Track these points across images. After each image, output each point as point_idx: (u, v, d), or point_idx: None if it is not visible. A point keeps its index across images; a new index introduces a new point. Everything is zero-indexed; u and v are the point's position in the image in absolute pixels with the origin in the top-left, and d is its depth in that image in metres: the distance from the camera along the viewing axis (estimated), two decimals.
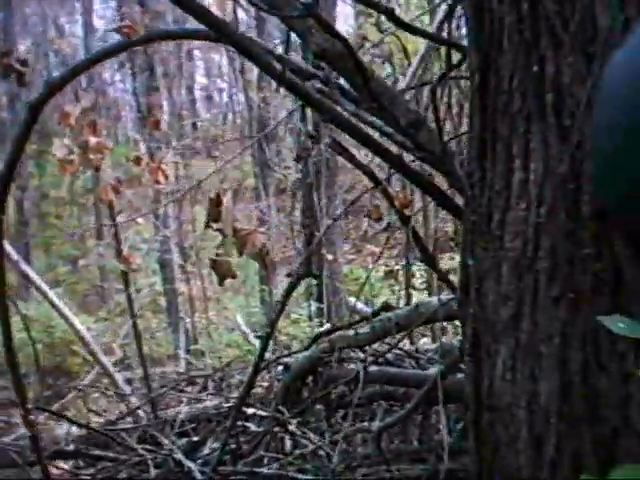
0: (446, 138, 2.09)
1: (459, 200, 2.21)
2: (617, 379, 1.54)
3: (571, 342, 1.56)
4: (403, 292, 12.28)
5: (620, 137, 1.03)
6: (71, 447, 3.58)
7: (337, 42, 1.96)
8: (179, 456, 3.45)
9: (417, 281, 11.87)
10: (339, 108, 2.02)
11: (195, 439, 3.80)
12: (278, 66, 1.79)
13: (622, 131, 1.03)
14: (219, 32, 1.78)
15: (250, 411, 3.51)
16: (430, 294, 11.31)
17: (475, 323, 1.72)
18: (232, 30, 1.80)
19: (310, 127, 2.98)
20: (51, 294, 6.13)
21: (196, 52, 17.08)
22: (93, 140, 4.00)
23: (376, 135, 2.14)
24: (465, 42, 1.91)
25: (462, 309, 1.79)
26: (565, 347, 1.56)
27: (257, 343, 5.96)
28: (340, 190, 10.67)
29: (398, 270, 15.12)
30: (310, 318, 9.66)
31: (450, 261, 10.57)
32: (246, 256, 2.94)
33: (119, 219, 6.48)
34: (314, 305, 9.71)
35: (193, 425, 4.19)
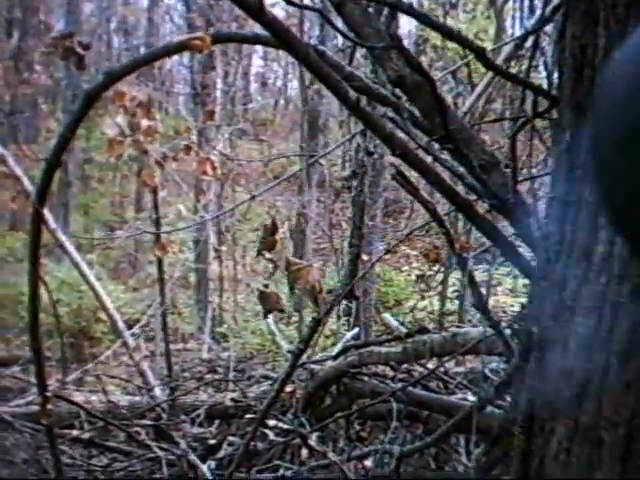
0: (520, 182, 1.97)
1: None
2: None
3: (638, 434, 1.43)
4: (435, 299, 12.20)
5: (624, 132, 0.96)
6: (86, 435, 3.51)
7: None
8: (194, 458, 3.38)
9: (450, 289, 11.77)
10: (410, 141, 1.91)
11: (211, 442, 3.73)
12: (352, 93, 1.69)
13: (624, 132, 0.95)
14: (293, 52, 1.68)
15: (271, 423, 3.42)
16: (461, 303, 11.21)
17: (532, 394, 1.60)
18: (306, 50, 1.69)
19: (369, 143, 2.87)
20: (83, 265, 6.09)
21: None
22: (145, 123, 3.93)
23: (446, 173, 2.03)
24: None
25: (518, 375, 1.68)
26: (630, 438, 1.44)
27: (283, 344, 5.87)
28: (384, 192, 10.58)
29: (430, 275, 15.00)
30: (338, 317, 9.57)
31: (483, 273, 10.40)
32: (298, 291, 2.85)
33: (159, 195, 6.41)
34: (344, 303, 9.60)
35: (209, 428, 4.12)
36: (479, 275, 10.73)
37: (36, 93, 16.06)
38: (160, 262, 4.82)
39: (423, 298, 13.11)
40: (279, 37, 1.66)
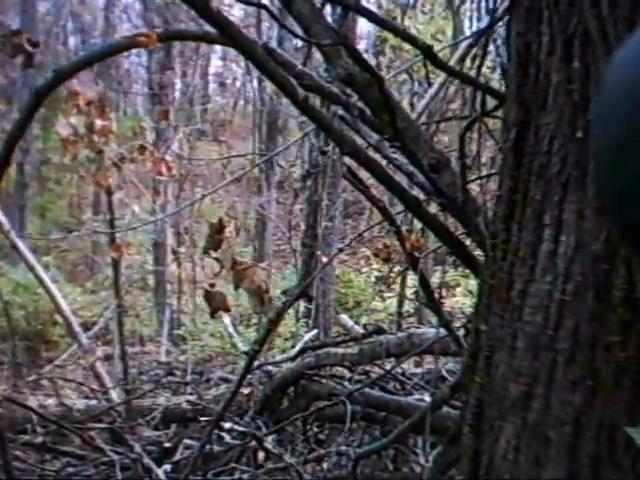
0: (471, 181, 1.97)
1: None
2: (629, 478, 1.42)
3: (584, 432, 1.44)
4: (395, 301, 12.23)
5: (622, 133, 0.97)
6: (39, 439, 3.45)
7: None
8: (148, 462, 3.34)
9: (409, 291, 11.79)
10: (360, 139, 1.90)
11: (167, 445, 3.69)
12: (301, 91, 1.67)
13: (624, 127, 0.96)
14: (239, 49, 1.66)
15: (227, 425, 3.39)
16: (420, 304, 11.23)
17: (481, 393, 1.60)
18: (252, 47, 1.67)
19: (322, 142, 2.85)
20: (38, 267, 6.01)
21: None
22: (99, 123, 3.88)
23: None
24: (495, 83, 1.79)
25: (468, 374, 1.67)
26: (577, 436, 1.44)
27: (240, 345, 5.82)
28: (343, 193, 10.55)
29: (390, 277, 15.02)
30: (297, 319, 9.53)
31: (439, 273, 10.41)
32: (243, 290, 2.82)
33: (116, 196, 6.35)
34: (302, 305, 9.58)
35: (165, 431, 4.08)
36: (439, 276, 10.78)
37: None
38: (115, 264, 4.76)
39: (383, 300, 13.14)
40: (225, 33, 1.64)
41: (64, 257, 15.32)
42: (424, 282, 2.26)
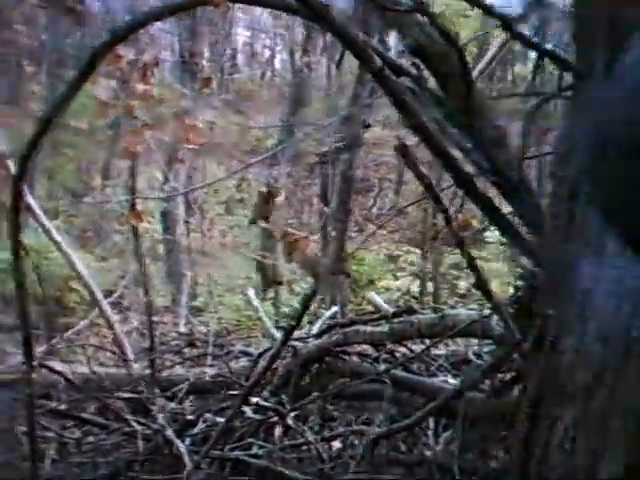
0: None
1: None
2: None
3: None
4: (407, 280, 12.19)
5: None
6: (63, 407, 3.42)
7: (437, 41, 1.79)
8: (170, 434, 3.30)
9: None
10: (422, 112, 1.85)
11: (189, 417, 3.65)
12: (378, 61, 1.62)
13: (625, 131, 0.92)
14: (321, 19, 1.60)
15: (253, 400, 3.35)
16: (437, 287, 11.19)
17: (541, 379, 1.55)
18: (333, 17, 1.62)
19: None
20: (54, 231, 5.93)
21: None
22: (140, 87, 3.82)
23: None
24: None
25: (530, 357, 1.62)
26: None
27: (266, 319, 5.72)
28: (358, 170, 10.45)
29: (399, 255, 14.99)
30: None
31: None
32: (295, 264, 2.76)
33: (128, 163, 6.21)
34: None
35: (185, 404, 4.05)
36: (452, 258, 10.72)
37: (19, 54, 15.70)
38: (136, 231, 4.70)
39: (396, 279, 13.12)
40: (306, 3, 1.59)
41: (72, 222, 15.21)
42: (472, 262, 2.21)
